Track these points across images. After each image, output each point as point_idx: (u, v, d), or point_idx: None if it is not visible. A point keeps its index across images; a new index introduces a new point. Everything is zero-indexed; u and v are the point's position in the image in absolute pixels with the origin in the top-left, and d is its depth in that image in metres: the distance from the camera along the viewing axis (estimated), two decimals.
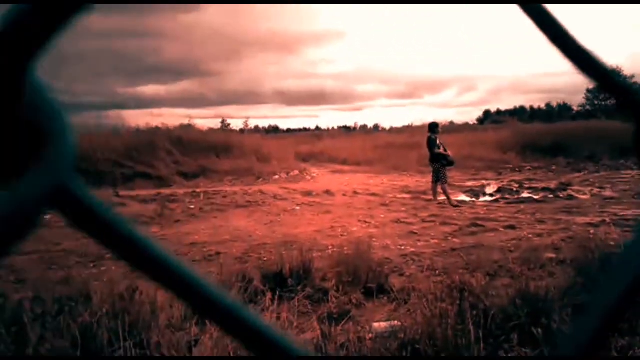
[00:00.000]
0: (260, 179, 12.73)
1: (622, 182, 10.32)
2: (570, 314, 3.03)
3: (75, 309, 2.58)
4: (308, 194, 9.65)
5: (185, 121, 17.65)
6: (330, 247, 5.05)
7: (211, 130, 19.02)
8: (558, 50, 0.32)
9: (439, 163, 8.33)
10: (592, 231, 5.64)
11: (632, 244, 0.27)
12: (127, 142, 13.24)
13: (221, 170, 13.30)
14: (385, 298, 3.62)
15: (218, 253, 5.04)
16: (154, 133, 14.75)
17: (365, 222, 6.73)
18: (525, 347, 2.25)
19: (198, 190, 10.14)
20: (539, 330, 2.28)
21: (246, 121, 43.05)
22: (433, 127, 8.80)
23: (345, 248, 4.81)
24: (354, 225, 6.45)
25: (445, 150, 8.50)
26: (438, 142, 8.48)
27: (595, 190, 9.16)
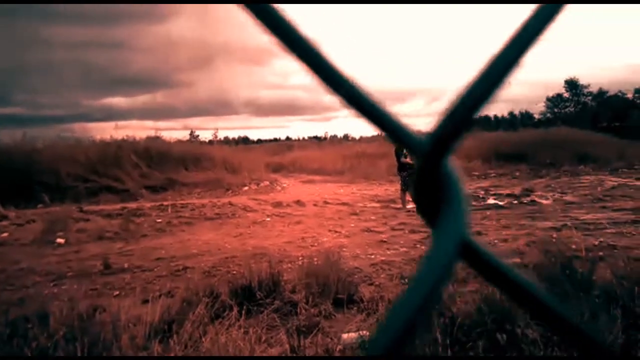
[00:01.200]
0: (230, 191, 12.59)
1: (582, 187, 10.73)
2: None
3: (30, 331, 2.46)
4: (278, 204, 9.59)
5: (153, 133, 17.32)
6: (300, 258, 5.02)
7: (179, 141, 18.71)
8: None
9: (406, 172, 8.53)
10: (554, 235, 5.82)
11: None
12: (92, 155, 12.87)
13: (190, 182, 13.09)
14: (355, 308, 3.62)
15: (186, 268, 4.93)
16: (120, 145, 14.39)
17: (336, 231, 6.73)
18: (490, 354, 2.28)
19: (165, 203, 9.92)
20: (504, 336, 2.32)
21: (215, 132, 42.60)
22: None
23: (316, 259, 4.79)
24: (324, 236, 6.44)
25: (411, 160, 8.64)
26: (405, 151, 8.63)
27: (557, 196, 9.48)
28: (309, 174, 17.99)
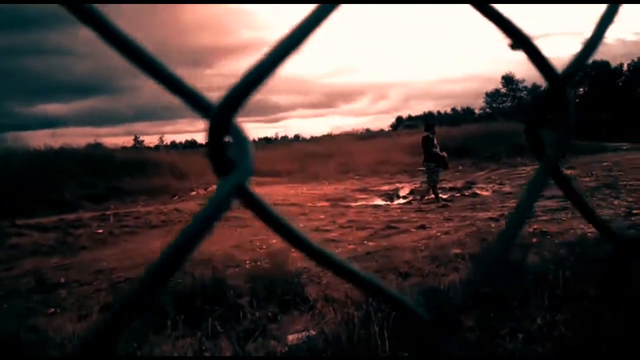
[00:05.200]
0: (177, 197, 12.26)
1: (520, 178, 11.32)
2: (472, 305, 3.24)
3: None
4: None
5: (93, 140, 16.57)
6: (247, 262, 4.97)
7: (123, 148, 18.03)
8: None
9: (435, 163, 8.09)
10: (493, 225, 6.12)
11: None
12: (26, 165, 12.13)
13: (134, 190, 12.64)
14: (302, 308, 3.63)
15: (128, 279, 4.75)
16: (57, 154, 13.66)
17: None
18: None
19: (108, 212, 9.51)
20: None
21: (161, 137, 41.47)
22: (430, 126, 8.48)
23: (263, 261, 4.77)
24: (272, 238, 6.41)
25: (440, 151, 8.24)
26: (435, 141, 8.24)
27: (496, 187, 9.95)
28: (259, 176, 17.82)
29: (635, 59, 33.32)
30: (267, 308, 3.48)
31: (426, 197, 8.48)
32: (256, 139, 45.36)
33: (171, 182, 13.41)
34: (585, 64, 0.27)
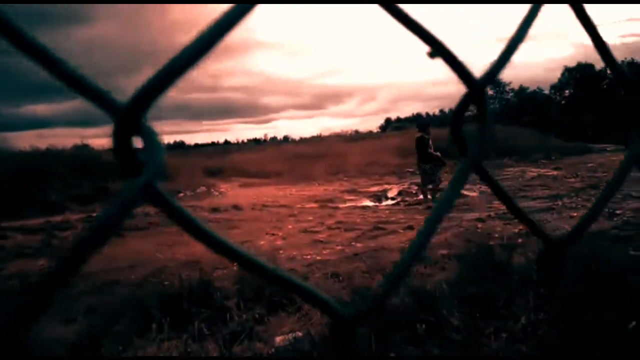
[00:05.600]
0: None
1: (506, 178, 11.44)
2: (457, 306, 3.27)
3: None
4: (215, 210, 9.41)
5: (80, 141, 16.38)
6: (234, 264, 4.96)
7: (110, 149, 17.82)
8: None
9: (431, 164, 8.08)
10: (479, 225, 6.17)
11: None
12: (11, 166, 11.94)
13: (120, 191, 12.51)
14: (290, 310, 3.63)
15: (115, 281, 4.71)
16: (44, 155, 13.48)
17: (273, 234, 6.71)
18: (409, 345, 2.38)
19: (94, 214, 9.42)
20: (423, 326, 2.42)
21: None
22: (424, 127, 8.48)
23: None
24: (261, 239, 6.41)
25: (435, 152, 8.21)
26: (430, 142, 8.20)
27: (483, 188, 10.03)
28: (248, 178, 17.79)
29: (619, 62, 33.86)
30: (254, 310, 3.47)
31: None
32: (245, 140, 45.21)
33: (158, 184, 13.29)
34: (504, 67, 0.28)
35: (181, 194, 12.59)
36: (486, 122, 0.26)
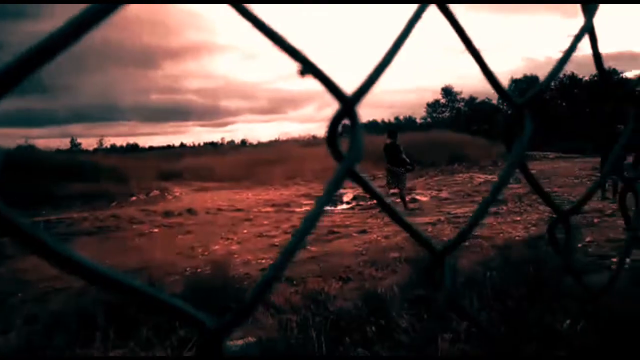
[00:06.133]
0: (115, 202, 11.75)
1: (456, 184, 11.86)
2: (406, 308, 3.37)
3: None
4: (168, 214, 9.19)
5: (24, 142, 15.55)
6: (188, 269, 4.87)
7: (58, 151, 17.04)
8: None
9: (403, 168, 8.55)
10: (430, 229, 6.37)
11: None
12: None
13: (69, 195, 11.96)
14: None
15: (58, 289, 4.50)
16: None
17: (228, 238, 6.64)
18: (359, 347, 2.44)
19: (38, 219, 8.97)
20: (372, 328, 2.49)
21: (100, 140, 39.61)
22: (394, 133, 9.04)
23: (205, 268, 4.69)
24: (215, 244, 6.32)
25: (405, 157, 8.72)
26: (401, 148, 8.73)
27: (434, 193, 10.37)
28: (204, 182, 17.47)
29: (561, 76, 36.04)
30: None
31: (408, 198, 8.88)
32: (202, 143, 44.35)
33: (109, 187, 12.82)
34: (374, 83, 0.32)
35: (134, 198, 12.21)
36: (357, 133, 0.29)
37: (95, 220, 8.63)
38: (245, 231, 7.18)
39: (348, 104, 0.29)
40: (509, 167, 0.43)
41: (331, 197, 0.28)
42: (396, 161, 8.68)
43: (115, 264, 5.41)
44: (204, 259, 5.44)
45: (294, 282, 4.35)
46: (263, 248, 5.92)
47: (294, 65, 0.27)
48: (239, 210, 9.65)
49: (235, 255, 5.48)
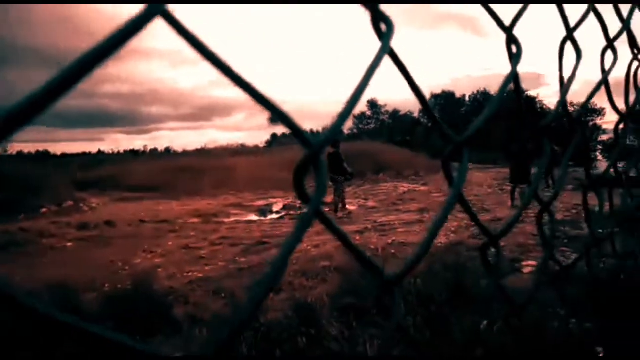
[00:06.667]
0: (23, 215, 10.75)
1: (381, 193, 12.28)
2: (336, 316, 3.42)
3: None
4: (84, 227, 8.57)
5: None
6: (107, 285, 4.57)
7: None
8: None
9: (343, 177, 8.82)
10: (358, 237, 6.52)
11: None
12: None
13: None
14: (169, 330, 3.46)
15: None
16: None
17: (151, 252, 6.33)
18: (292, 356, 2.43)
19: None
20: (303, 339, 2.49)
21: (4, 147, 36.15)
22: (336, 143, 9.21)
23: (125, 284, 4.45)
24: (137, 257, 6.00)
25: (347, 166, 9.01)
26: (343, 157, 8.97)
27: (362, 202, 10.65)
28: (124, 191, 16.54)
29: (475, 92, 38.90)
30: (130, 333, 3.24)
31: (340, 207, 9.15)
32: (122, 151, 41.93)
33: (16, 197, 11.70)
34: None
35: (44, 210, 11.26)
36: (321, 177, 0.30)
37: (0, 235, 7.84)
38: (170, 243, 6.89)
39: (314, 150, 0.30)
40: (452, 198, 0.47)
41: (302, 236, 0.29)
42: (338, 170, 8.98)
43: (25, 281, 4.95)
44: (124, 274, 5.14)
45: (223, 294, 4.24)
46: (189, 261, 5.71)
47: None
48: (163, 221, 9.23)
49: (159, 269, 5.25)
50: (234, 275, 4.87)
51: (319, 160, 0.30)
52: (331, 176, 9.07)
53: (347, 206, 9.54)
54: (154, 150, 42.99)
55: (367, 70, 0.36)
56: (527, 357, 2.02)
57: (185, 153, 34.77)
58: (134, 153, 39.19)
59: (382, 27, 0.39)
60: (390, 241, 6.11)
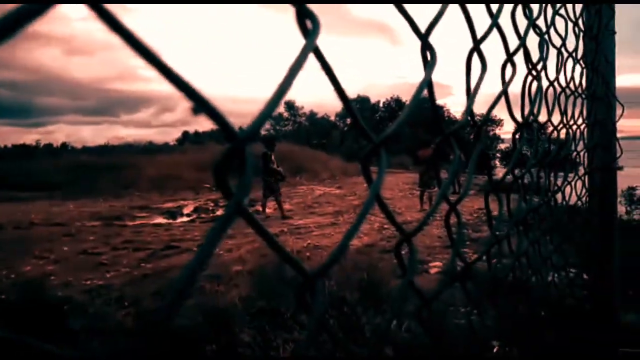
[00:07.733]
0: None
1: (297, 196, 12.34)
2: (249, 321, 3.34)
3: None
4: None
5: None
6: None
7: None
8: None
9: (273, 177, 8.84)
10: None
11: None
12: None
13: None
14: (64, 343, 3.14)
15: None
16: None
17: (43, 257, 5.73)
18: None
19: None
20: (213, 346, 2.39)
21: None
22: (269, 143, 9.29)
23: (11, 293, 3.99)
24: (26, 264, 5.39)
25: (277, 166, 9.05)
26: (273, 158, 9.00)
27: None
28: (11, 190, 14.84)
29: (389, 99, 40.74)
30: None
31: (252, 209, 9.04)
32: (10, 145, 37.63)
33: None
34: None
35: None
36: (247, 172, 0.27)
37: None
38: (65, 248, 6.29)
39: (239, 143, 0.27)
40: (371, 198, 0.45)
41: (223, 234, 0.26)
42: (266, 171, 8.99)
43: None
44: (9, 282, 4.60)
45: (126, 303, 3.96)
46: (88, 267, 5.26)
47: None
48: (57, 224, 8.41)
49: (52, 277, 4.76)
50: (139, 282, 4.56)
51: (245, 153, 0.27)
52: (262, 177, 9.17)
53: (266, 210, 9.48)
54: (49, 146, 39.20)
55: (292, 67, 0.33)
56: (432, 352, 2.12)
57: (86, 149, 32.23)
58: (24, 148, 35.34)
59: (308, 24, 0.36)
60: (305, 244, 6.14)
